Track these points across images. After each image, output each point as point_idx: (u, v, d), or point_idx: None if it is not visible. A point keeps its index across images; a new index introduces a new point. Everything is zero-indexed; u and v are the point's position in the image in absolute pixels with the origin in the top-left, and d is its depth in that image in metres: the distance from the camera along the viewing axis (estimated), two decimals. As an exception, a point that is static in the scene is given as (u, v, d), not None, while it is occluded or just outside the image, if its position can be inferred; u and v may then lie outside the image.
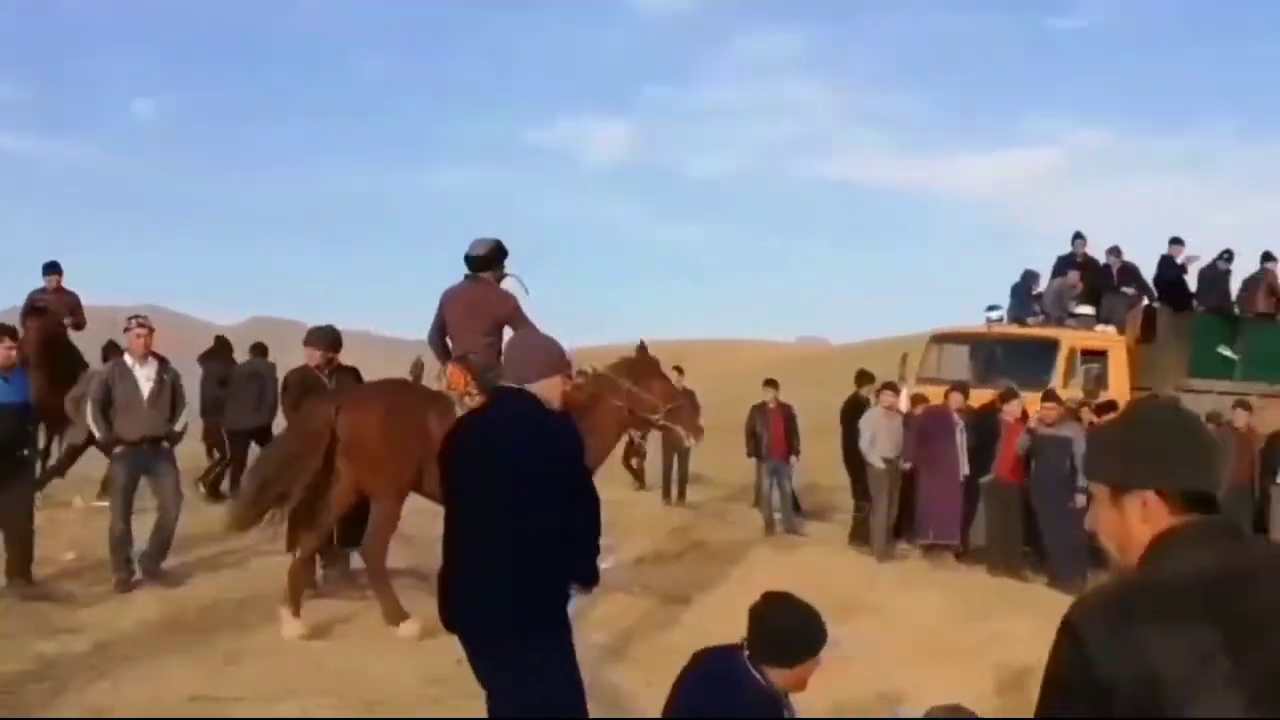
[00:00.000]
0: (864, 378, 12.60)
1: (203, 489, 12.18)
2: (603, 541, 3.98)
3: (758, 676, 3.38)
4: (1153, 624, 1.71)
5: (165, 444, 8.47)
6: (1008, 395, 11.35)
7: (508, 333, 7.32)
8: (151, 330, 8.54)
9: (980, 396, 11.98)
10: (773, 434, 13.19)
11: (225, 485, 12.28)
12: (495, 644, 3.76)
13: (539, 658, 3.70)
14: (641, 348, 8.69)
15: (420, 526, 8.06)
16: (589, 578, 3.97)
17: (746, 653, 3.41)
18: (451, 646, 4.00)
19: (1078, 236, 14.41)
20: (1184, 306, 13.67)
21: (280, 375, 10.34)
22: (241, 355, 13.65)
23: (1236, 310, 13.80)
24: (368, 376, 8.78)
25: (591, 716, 3.88)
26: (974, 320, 13.88)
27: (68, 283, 11.87)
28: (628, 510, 12.26)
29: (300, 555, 7.52)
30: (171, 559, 8.60)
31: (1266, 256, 14.15)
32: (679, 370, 15.82)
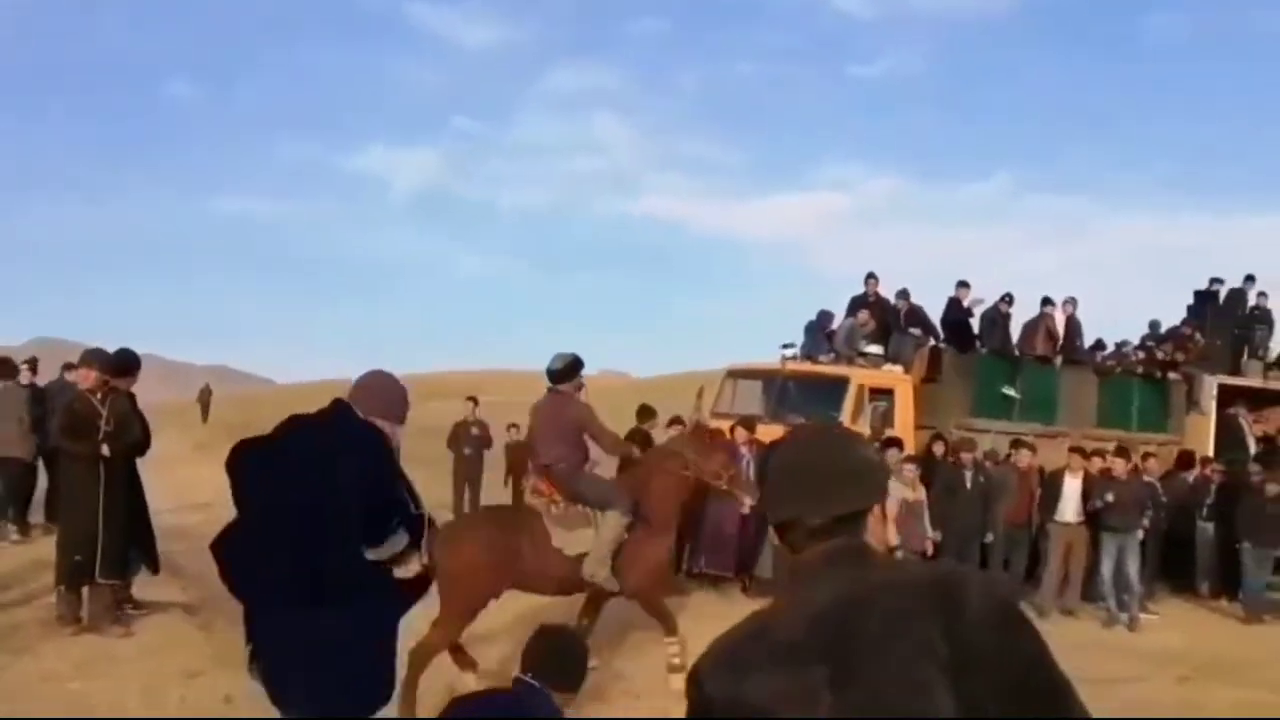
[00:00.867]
0: (646, 413, 12.63)
1: None
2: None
3: (557, 701, 3.35)
4: (765, 669, 1.65)
5: None
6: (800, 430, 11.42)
7: (590, 443, 8.00)
8: None
9: (771, 432, 12.06)
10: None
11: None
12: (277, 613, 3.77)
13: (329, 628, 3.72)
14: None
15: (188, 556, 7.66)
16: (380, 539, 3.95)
17: (532, 679, 3.34)
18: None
19: (870, 277, 14.72)
20: (968, 348, 14.08)
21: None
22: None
23: (1017, 352, 14.29)
24: (150, 400, 8.31)
25: None
26: (772, 357, 14.01)
27: None
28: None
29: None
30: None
31: (1045, 301, 14.74)
32: (473, 400, 15.57)
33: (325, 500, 3.75)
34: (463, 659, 7.15)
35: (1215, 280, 16.54)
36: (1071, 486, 11.95)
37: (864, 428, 12.23)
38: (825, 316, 14.53)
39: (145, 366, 8.57)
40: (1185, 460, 14.14)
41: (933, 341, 14.13)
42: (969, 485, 11.89)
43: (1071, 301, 14.92)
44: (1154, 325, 16.13)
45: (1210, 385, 15.33)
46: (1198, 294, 16.55)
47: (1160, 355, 15.13)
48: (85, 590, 7.76)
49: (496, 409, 17.30)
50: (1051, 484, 12.18)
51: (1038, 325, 14.49)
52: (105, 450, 7.81)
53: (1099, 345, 15.32)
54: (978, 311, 14.24)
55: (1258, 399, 16.07)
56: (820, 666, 1.61)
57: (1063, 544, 11.90)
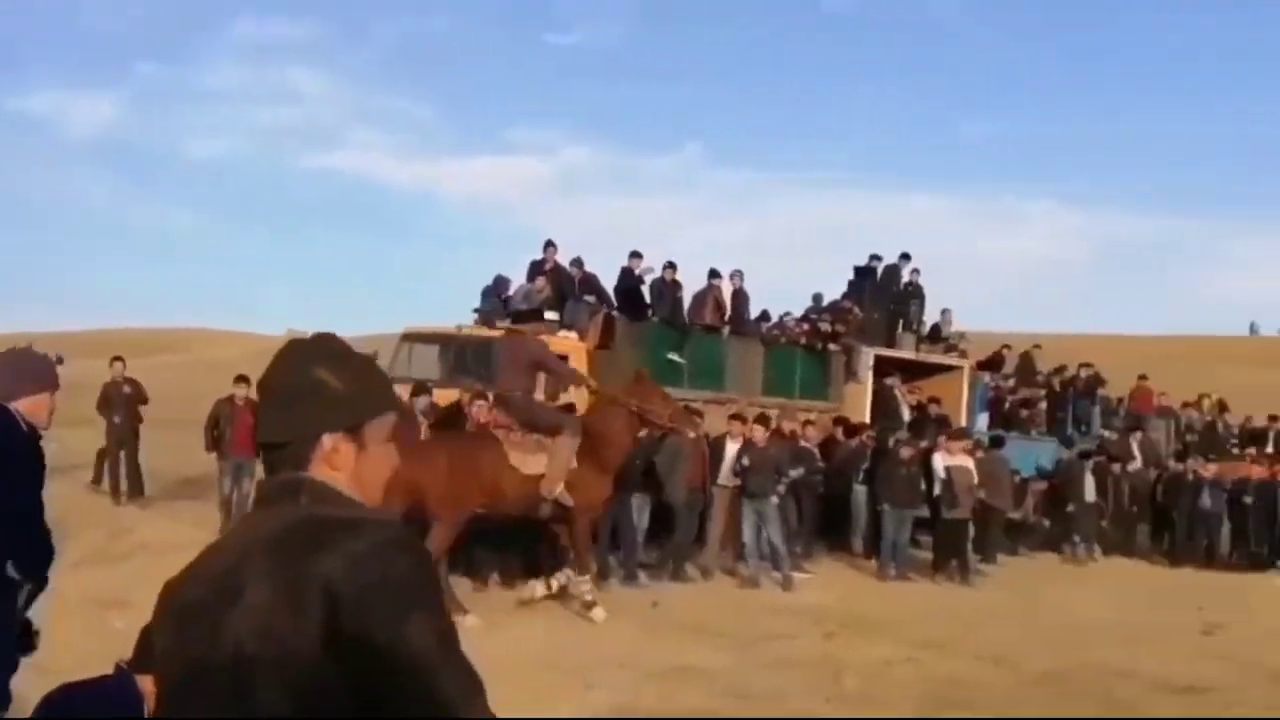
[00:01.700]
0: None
1: None
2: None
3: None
4: (166, 615, 1.61)
5: None
6: (476, 396, 11.19)
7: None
8: None
9: (446, 396, 11.85)
10: (238, 430, 12.42)
11: None
12: None
13: None
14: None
15: None
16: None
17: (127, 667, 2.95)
18: None
19: (549, 244, 14.63)
20: (640, 316, 14.24)
21: None
22: None
23: (687, 321, 14.57)
24: None
25: None
26: (465, 320, 14.06)
27: None
28: (73, 510, 11.06)
29: None
30: None
31: (713, 273, 15.12)
32: (120, 360, 14.40)
33: None
34: None
35: (874, 257, 17.49)
36: (730, 451, 12.34)
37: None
38: (501, 282, 14.48)
39: None
40: (852, 428, 14.87)
41: (606, 309, 14.19)
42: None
43: (738, 274, 15.38)
44: (817, 298, 16.91)
45: (867, 356, 16.20)
46: (857, 269, 17.43)
47: (822, 327, 15.82)
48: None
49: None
50: (715, 449, 12.52)
51: (706, 296, 14.85)
52: None
53: (764, 316, 15.89)
54: (649, 280, 14.41)
55: (911, 370, 17.18)
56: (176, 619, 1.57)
57: (723, 507, 12.23)
